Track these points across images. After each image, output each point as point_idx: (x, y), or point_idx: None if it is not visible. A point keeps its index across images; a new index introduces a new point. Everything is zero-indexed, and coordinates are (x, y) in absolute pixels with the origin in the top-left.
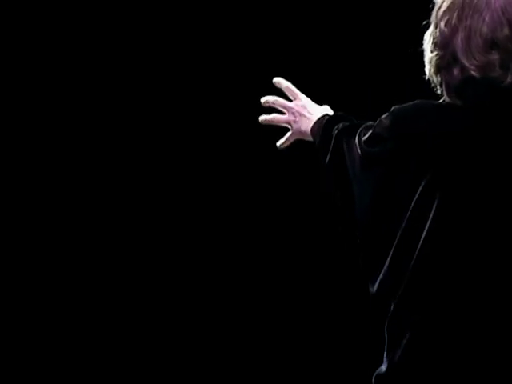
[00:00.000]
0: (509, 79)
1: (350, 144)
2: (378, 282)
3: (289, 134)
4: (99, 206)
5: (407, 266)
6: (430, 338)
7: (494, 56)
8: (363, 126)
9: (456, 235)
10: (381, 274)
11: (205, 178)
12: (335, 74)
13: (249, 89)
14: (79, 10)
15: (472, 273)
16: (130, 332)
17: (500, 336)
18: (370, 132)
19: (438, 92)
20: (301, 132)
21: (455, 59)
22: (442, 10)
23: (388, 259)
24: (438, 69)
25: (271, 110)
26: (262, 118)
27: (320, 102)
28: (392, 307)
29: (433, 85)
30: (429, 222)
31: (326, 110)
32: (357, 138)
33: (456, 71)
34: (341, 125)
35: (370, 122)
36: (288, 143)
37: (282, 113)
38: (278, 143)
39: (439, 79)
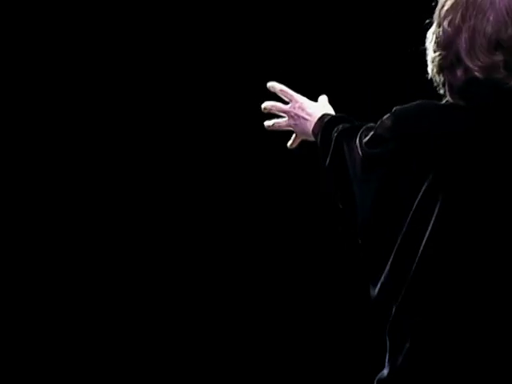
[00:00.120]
0: None
1: (350, 146)
2: (379, 284)
3: (294, 135)
4: (99, 206)
5: (409, 268)
6: (433, 342)
7: (498, 57)
8: (364, 127)
9: (459, 237)
10: (382, 277)
11: (205, 178)
12: (335, 74)
13: (248, 89)
14: (79, 10)
15: (475, 276)
16: (130, 332)
17: (504, 341)
18: (372, 133)
19: (441, 92)
20: (304, 133)
21: (458, 60)
22: (446, 8)
23: (389, 262)
24: (441, 69)
25: (273, 114)
26: (266, 124)
27: None
28: (394, 311)
29: (435, 84)
30: (431, 223)
31: (324, 105)
32: (358, 139)
33: (459, 72)
34: (341, 126)
35: (371, 124)
36: (296, 143)
37: (283, 116)
38: (288, 144)
39: (442, 79)
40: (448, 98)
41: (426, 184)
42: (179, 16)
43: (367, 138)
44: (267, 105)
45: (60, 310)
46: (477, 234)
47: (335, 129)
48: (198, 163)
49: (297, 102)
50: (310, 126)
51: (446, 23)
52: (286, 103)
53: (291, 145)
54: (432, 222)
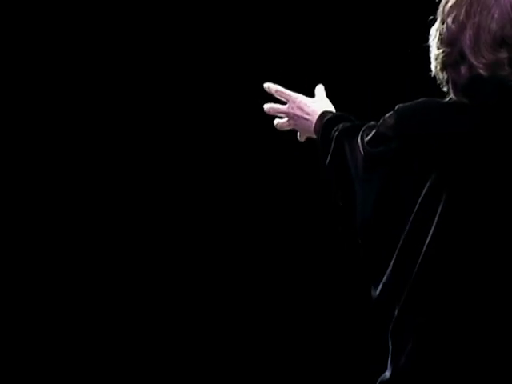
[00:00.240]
0: None
1: (352, 145)
2: (381, 285)
3: (299, 133)
4: (100, 206)
5: (412, 269)
6: (436, 343)
7: (503, 54)
8: (365, 126)
9: (462, 237)
10: (384, 278)
11: (205, 178)
12: (335, 74)
13: (248, 89)
14: (79, 10)
15: (479, 276)
16: (130, 332)
17: (507, 342)
18: (374, 131)
19: (444, 89)
20: (307, 133)
21: (462, 57)
22: (450, 5)
23: (392, 262)
24: (445, 66)
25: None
26: (274, 123)
27: None
28: (396, 312)
29: (438, 82)
30: (434, 223)
31: (322, 99)
32: (359, 138)
33: (463, 69)
34: (341, 125)
35: (373, 122)
36: (303, 138)
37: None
38: (298, 138)
39: (445, 76)
40: (452, 95)
41: (428, 183)
42: (179, 16)
43: (369, 136)
44: (266, 108)
45: (60, 309)
46: (480, 233)
47: (335, 128)
48: (198, 163)
49: (294, 101)
50: (312, 124)
51: (449, 20)
52: (285, 103)
53: (300, 139)
54: (435, 221)
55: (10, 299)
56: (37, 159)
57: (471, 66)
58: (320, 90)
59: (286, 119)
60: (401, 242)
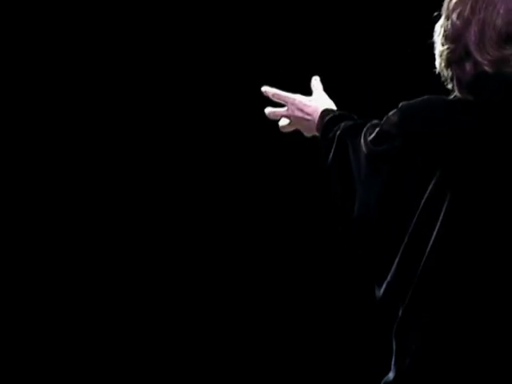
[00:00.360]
0: None
1: (354, 144)
2: (384, 285)
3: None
4: (100, 206)
5: (416, 268)
6: (441, 344)
7: (508, 51)
8: (368, 124)
9: (467, 236)
10: (388, 277)
11: (204, 177)
12: (335, 74)
13: (248, 89)
14: (79, 10)
15: (484, 275)
16: (130, 332)
17: None
18: (377, 129)
19: (449, 87)
20: (311, 132)
21: (467, 53)
22: (454, 0)
23: (396, 261)
24: (449, 63)
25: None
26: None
27: None
28: (400, 312)
29: (443, 79)
30: (439, 222)
31: (321, 96)
32: (362, 137)
33: (468, 66)
34: (342, 124)
35: (375, 121)
36: (310, 135)
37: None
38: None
39: (450, 73)
40: (456, 92)
41: (433, 182)
42: (179, 16)
43: (372, 135)
44: (266, 113)
45: (60, 309)
46: (485, 232)
47: (336, 127)
48: (197, 163)
49: (292, 103)
50: (314, 124)
51: (454, 16)
52: (284, 105)
53: (306, 135)
54: (440, 220)
55: (10, 299)
56: (37, 159)
57: (476, 63)
58: (316, 83)
59: (288, 121)
60: (405, 240)
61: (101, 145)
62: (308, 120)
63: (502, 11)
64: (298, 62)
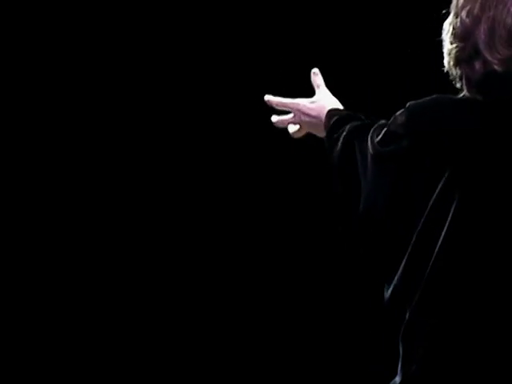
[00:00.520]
0: None
1: (361, 146)
2: (391, 287)
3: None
4: (100, 206)
5: (424, 270)
6: (449, 348)
7: None
8: (375, 125)
9: (476, 237)
10: (395, 279)
11: (205, 178)
12: (335, 74)
13: (248, 89)
14: (79, 10)
15: (493, 278)
16: (130, 332)
17: None
18: (385, 130)
19: (457, 86)
20: (322, 133)
21: (477, 52)
22: None
23: (403, 263)
24: (458, 61)
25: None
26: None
27: None
28: (407, 315)
29: (451, 78)
30: (447, 223)
31: (325, 95)
32: (369, 138)
33: (477, 65)
34: (348, 126)
35: (382, 121)
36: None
37: None
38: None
39: (459, 72)
40: (465, 92)
41: (441, 182)
42: (179, 16)
43: (380, 136)
44: (274, 121)
45: (60, 309)
46: (494, 234)
47: (342, 128)
48: (198, 163)
49: (297, 110)
50: (322, 125)
51: (464, 13)
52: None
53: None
54: (448, 221)
55: (10, 299)
56: (37, 159)
57: (486, 62)
58: (317, 78)
59: (297, 127)
60: (412, 242)
61: (101, 145)
62: (314, 123)
63: None
64: (298, 62)
